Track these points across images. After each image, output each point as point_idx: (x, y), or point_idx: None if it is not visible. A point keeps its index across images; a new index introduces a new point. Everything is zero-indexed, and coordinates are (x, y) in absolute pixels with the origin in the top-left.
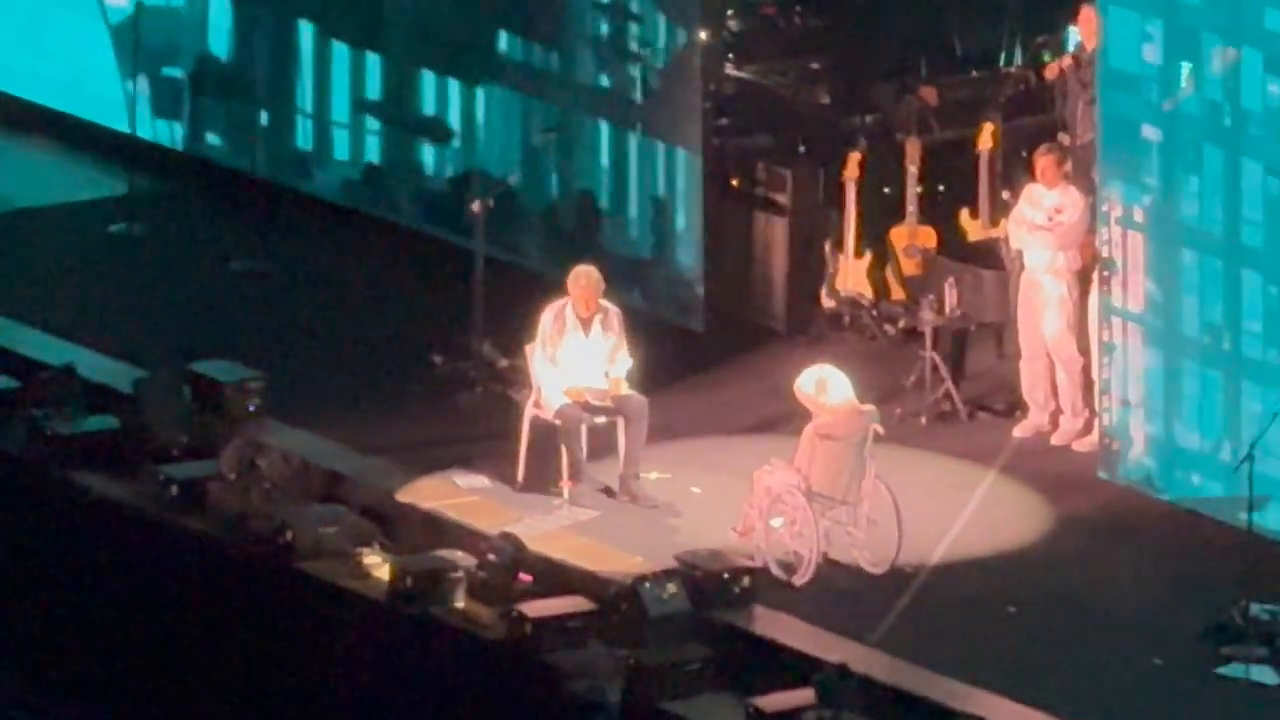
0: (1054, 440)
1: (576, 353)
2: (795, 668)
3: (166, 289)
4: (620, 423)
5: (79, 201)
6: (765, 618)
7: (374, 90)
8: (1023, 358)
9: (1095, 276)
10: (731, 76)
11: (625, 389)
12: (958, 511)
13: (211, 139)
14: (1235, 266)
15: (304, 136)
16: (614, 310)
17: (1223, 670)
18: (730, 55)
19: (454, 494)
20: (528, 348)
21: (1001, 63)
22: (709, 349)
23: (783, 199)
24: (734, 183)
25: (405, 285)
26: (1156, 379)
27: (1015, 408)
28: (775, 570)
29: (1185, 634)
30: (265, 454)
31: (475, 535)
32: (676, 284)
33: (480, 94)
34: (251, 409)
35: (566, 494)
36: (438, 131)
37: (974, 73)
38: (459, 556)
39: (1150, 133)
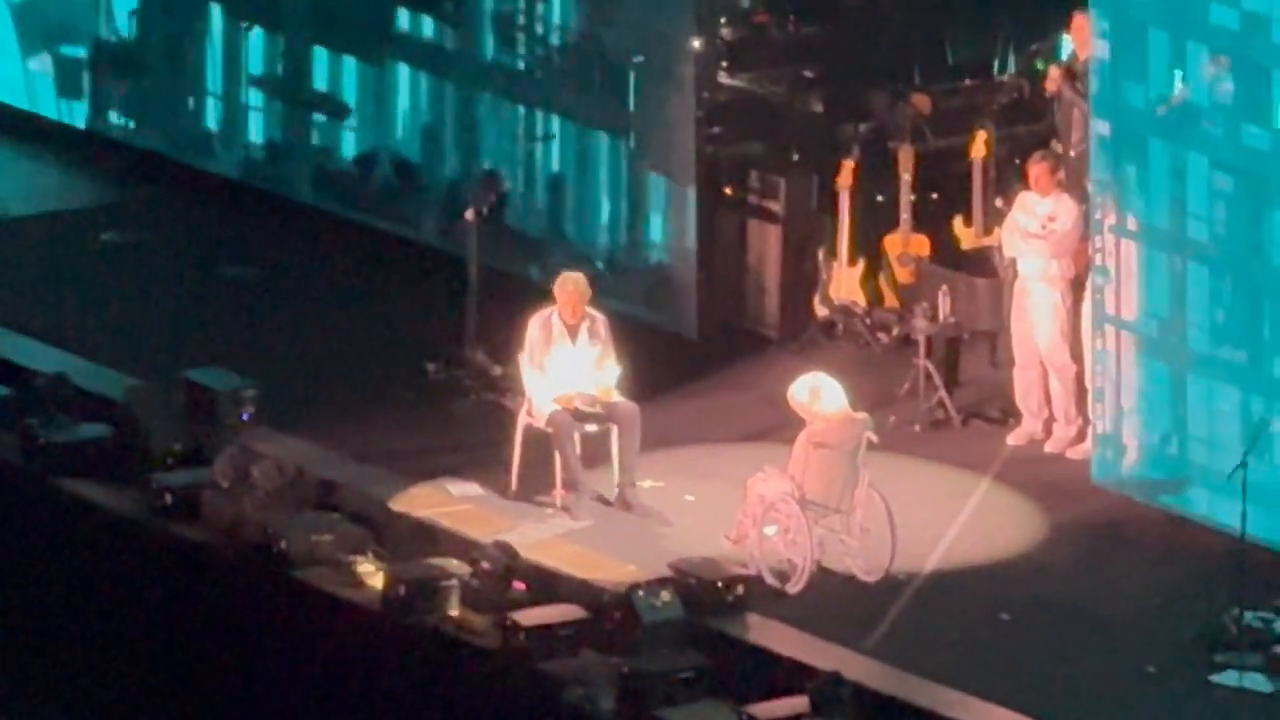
0: (1047, 448)
1: (565, 361)
2: (789, 676)
3: (159, 297)
4: (614, 431)
5: (69, 209)
6: (759, 626)
7: (273, 68)
8: (1016, 365)
9: (1088, 284)
10: (725, 84)
11: (615, 396)
12: (951, 519)
13: (114, 118)
14: (1223, 274)
15: (205, 115)
16: (600, 318)
17: (1216, 678)
18: (724, 63)
19: (447, 502)
20: (520, 356)
21: (995, 71)
22: (702, 357)
23: (776, 207)
24: (728, 190)
25: (399, 293)
26: (1149, 387)
27: (1009, 415)
28: (769, 578)
29: (1179, 641)
30: (258, 462)
31: (469, 543)
32: (670, 292)
33: (381, 72)
34: (245, 417)
35: (559, 502)
36: (335, 109)
37: (967, 81)
38: (452, 565)
39: (1144, 139)
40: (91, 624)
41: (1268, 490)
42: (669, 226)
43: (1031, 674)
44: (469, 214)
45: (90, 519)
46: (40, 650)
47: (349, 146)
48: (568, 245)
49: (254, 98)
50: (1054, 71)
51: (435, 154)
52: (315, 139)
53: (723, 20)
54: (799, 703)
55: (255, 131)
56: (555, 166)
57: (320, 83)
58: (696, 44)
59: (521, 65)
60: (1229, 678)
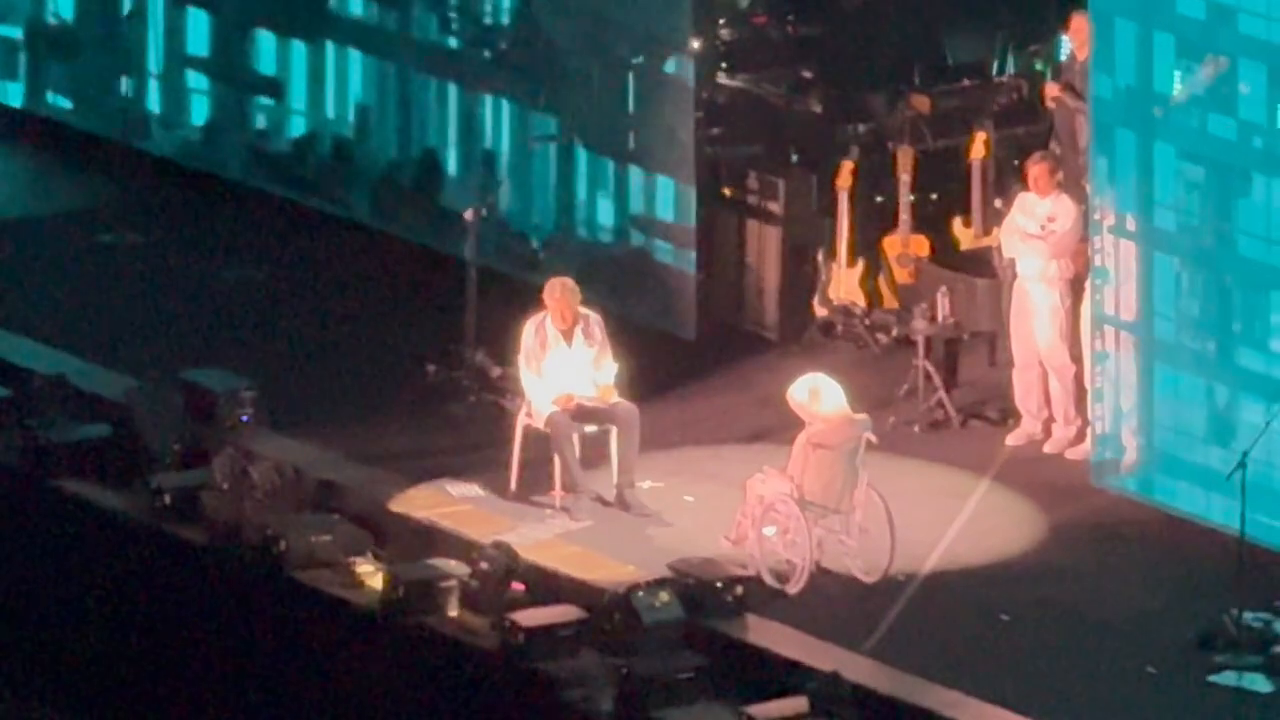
0: (1046, 448)
1: (562, 364)
2: (788, 676)
3: (159, 298)
4: (613, 432)
5: (69, 210)
6: (758, 626)
7: (211, 49)
8: (1015, 366)
9: (1087, 285)
10: (724, 85)
11: (615, 395)
12: (950, 520)
13: (51, 98)
14: (1223, 274)
15: (142, 96)
16: (594, 317)
17: (1215, 678)
18: (723, 64)
19: (446, 503)
20: (518, 359)
21: (994, 72)
22: (701, 357)
23: (775, 208)
24: (727, 191)
25: (398, 294)
26: (1148, 387)
27: (1008, 416)
28: (768, 579)
29: (1178, 642)
30: (257, 463)
31: (468, 544)
32: (669, 292)
33: (319, 51)
34: (244, 418)
35: (559, 503)
36: (271, 89)
37: (966, 82)
38: (451, 565)
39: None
40: (90, 625)
41: (1267, 490)
42: (669, 226)
43: (1031, 674)
44: (468, 214)
45: (89, 520)
46: (39, 651)
47: (288, 128)
48: (502, 224)
49: (192, 79)
50: (1052, 89)
51: (372, 134)
52: (253, 120)
53: (721, 21)
54: (798, 703)
55: (193, 113)
56: (488, 144)
57: (259, 64)
58: (695, 45)
59: (458, 45)
60: (1228, 678)
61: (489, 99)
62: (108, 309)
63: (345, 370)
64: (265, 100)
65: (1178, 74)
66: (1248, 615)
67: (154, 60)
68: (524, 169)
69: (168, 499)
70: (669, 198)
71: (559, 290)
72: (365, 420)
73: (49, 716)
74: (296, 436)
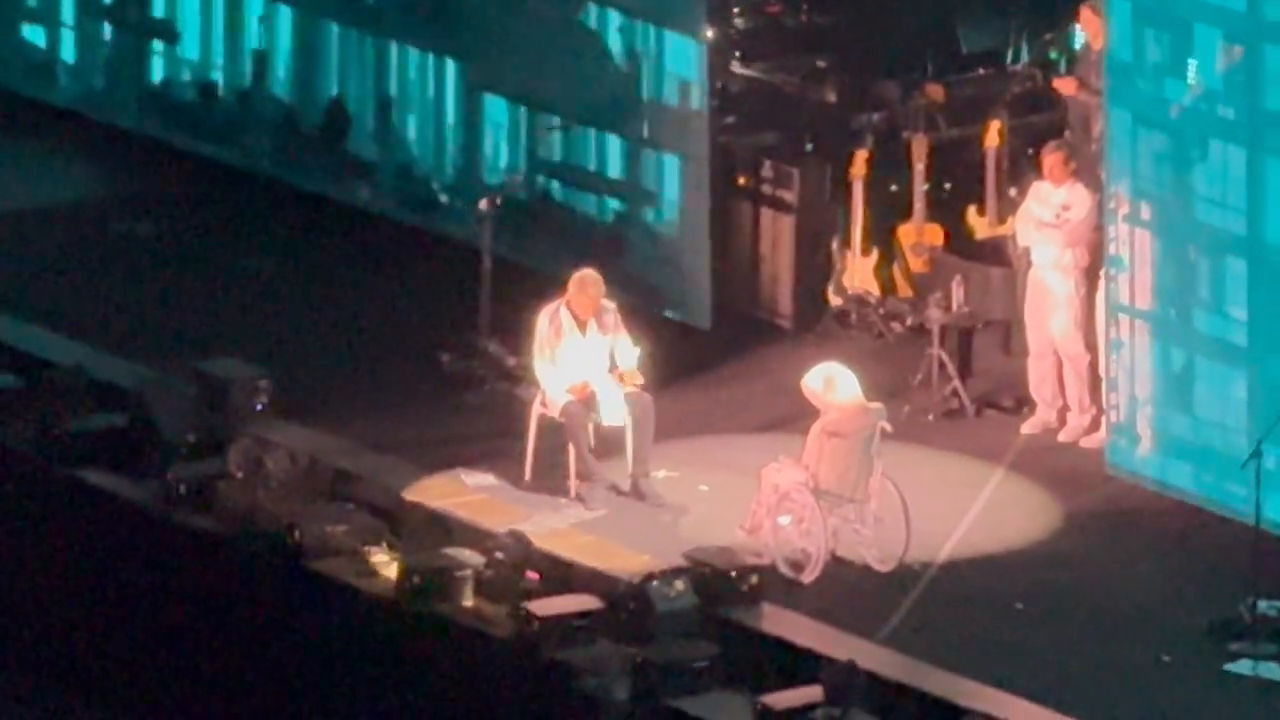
0: (1061, 437)
1: (576, 353)
2: (803, 665)
3: (174, 287)
4: (627, 421)
5: (83, 199)
6: (773, 615)
7: None
8: (1030, 355)
9: (1102, 273)
10: (738, 74)
11: (640, 379)
12: (965, 509)
13: None
14: (1238, 260)
15: (50, 44)
16: (610, 306)
17: (1231, 667)
18: (737, 53)
19: (461, 492)
20: (534, 347)
21: (1008, 60)
22: (716, 347)
23: (790, 197)
24: (741, 180)
25: (413, 283)
26: (1163, 375)
27: (1022, 405)
28: (783, 568)
29: (1193, 630)
30: (272, 452)
31: (483, 533)
32: (684, 282)
33: None
34: (259, 407)
35: (573, 492)
36: (166, 34)
37: (980, 70)
38: (467, 555)
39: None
40: (105, 614)
41: None
42: (683, 216)
43: (1045, 663)
44: (483, 203)
45: (105, 509)
46: (54, 640)
47: (186, 74)
48: (403, 169)
49: (91, 26)
50: (1063, 83)
51: (273, 81)
52: (151, 67)
53: (736, 10)
54: (813, 692)
55: (90, 60)
56: (392, 90)
57: (157, 9)
58: (710, 34)
59: None
60: (1243, 666)
61: (394, 46)
62: (123, 297)
63: (360, 359)
64: (161, 45)
65: (1193, 63)
66: (1263, 604)
67: (55, 6)
68: (432, 117)
69: (183, 488)
70: (672, 170)
71: (592, 287)
72: (380, 409)
73: (64, 704)
74: (311, 425)
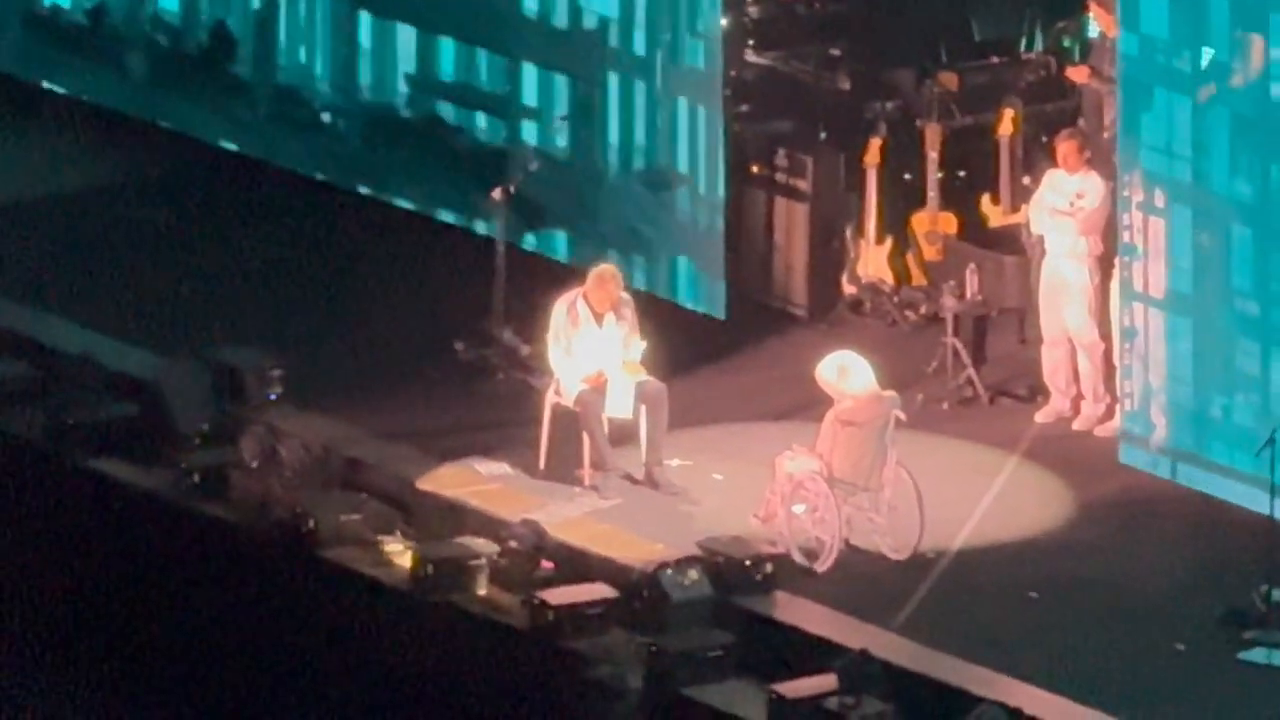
0: (1075, 426)
1: (592, 344)
2: (817, 653)
3: (187, 276)
4: (641, 410)
5: (98, 187)
6: (787, 604)
7: None
8: (1044, 343)
9: (1116, 261)
10: (752, 63)
11: (643, 373)
12: (979, 497)
13: None
14: (1254, 247)
15: None
16: (626, 298)
17: (1244, 655)
18: (751, 41)
19: (475, 481)
20: (549, 337)
21: (1022, 48)
22: (730, 335)
23: (804, 185)
24: (755, 169)
25: (427, 272)
26: (1178, 363)
27: (1036, 393)
28: (797, 556)
29: (1207, 619)
30: (286, 441)
31: (497, 522)
32: (698, 270)
33: None
34: (272, 396)
35: (587, 481)
36: None
37: (994, 58)
38: (480, 544)
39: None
40: (118, 603)
41: None
42: (695, 204)
43: (1059, 652)
44: (497, 192)
45: (118, 499)
46: (67, 629)
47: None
48: (282, 89)
49: None
50: (1082, 71)
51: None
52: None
53: None
54: (827, 680)
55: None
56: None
57: None
58: (724, 22)
59: None
60: (1257, 655)
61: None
62: (136, 286)
63: (374, 348)
64: None
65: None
66: (1277, 592)
67: None
68: (306, 32)
69: (196, 477)
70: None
71: (611, 281)
72: (394, 398)
73: (79, 693)
74: (325, 414)
